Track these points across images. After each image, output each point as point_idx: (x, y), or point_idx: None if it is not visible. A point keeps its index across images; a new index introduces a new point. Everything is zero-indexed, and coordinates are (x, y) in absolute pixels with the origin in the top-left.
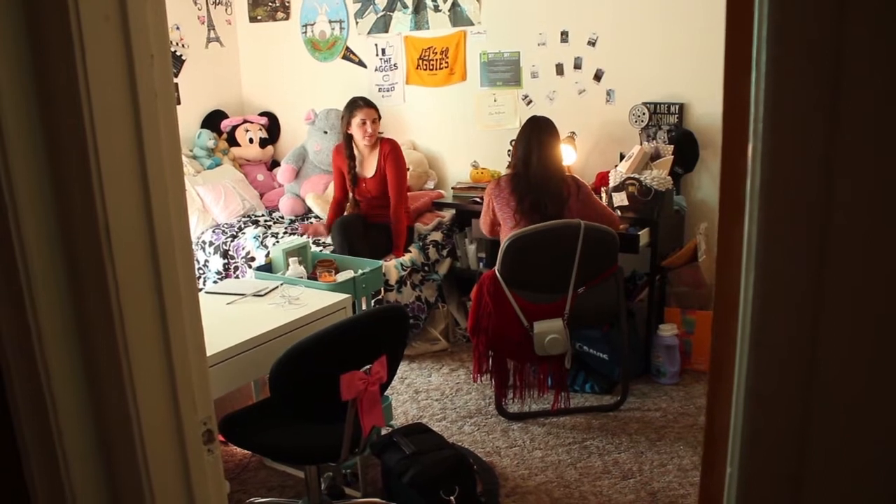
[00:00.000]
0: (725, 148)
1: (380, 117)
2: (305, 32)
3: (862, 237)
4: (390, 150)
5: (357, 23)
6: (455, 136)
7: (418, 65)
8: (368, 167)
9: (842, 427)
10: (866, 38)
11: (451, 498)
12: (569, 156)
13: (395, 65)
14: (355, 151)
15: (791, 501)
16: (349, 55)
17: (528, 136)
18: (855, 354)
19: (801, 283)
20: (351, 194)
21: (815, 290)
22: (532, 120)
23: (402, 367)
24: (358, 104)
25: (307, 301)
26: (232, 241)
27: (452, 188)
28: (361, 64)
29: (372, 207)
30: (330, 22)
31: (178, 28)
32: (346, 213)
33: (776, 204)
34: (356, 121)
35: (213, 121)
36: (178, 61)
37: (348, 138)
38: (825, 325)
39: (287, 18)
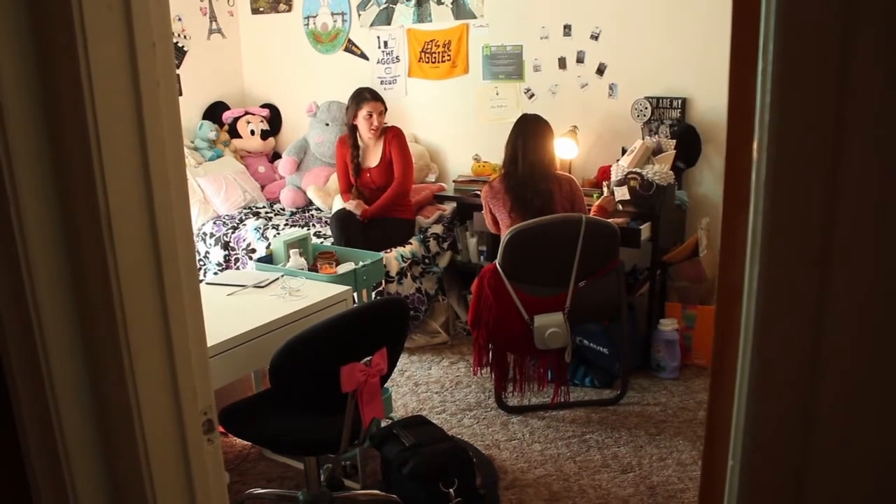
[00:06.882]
0: (730, 140)
1: (386, 109)
2: (307, 24)
3: (868, 229)
4: (394, 136)
5: (359, 15)
6: (457, 130)
7: (420, 57)
8: (372, 157)
9: (845, 419)
10: (875, 28)
11: (451, 490)
12: (570, 150)
13: (397, 57)
14: (359, 142)
15: (793, 494)
16: (351, 47)
17: (515, 136)
18: (859, 347)
19: (806, 275)
20: (353, 185)
21: (820, 283)
22: (521, 119)
23: (402, 360)
24: (365, 97)
25: (308, 293)
26: (233, 233)
27: (454, 181)
28: (363, 56)
29: (375, 199)
30: (332, 14)
31: (180, 19)
32: (344, 207)
33: (782, 196)
34: (362, 113)
35: (214, 112)
36: (180, 52)
37: (353, 129)
38: (830, 318)
39: (289, 10)
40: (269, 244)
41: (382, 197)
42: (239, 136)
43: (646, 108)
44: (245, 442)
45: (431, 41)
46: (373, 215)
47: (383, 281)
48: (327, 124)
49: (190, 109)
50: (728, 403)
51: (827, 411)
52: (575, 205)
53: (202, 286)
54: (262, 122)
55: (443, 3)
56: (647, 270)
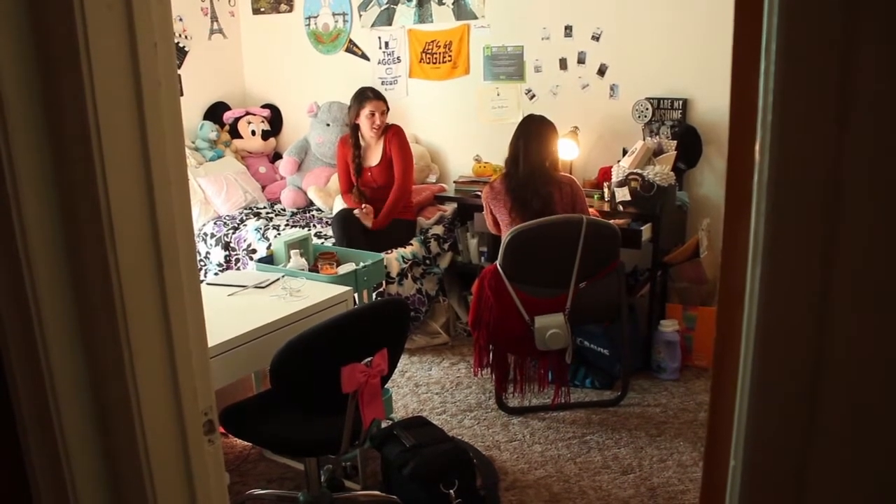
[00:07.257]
0: (733, 141)
1: (388, 109)
2: (309, 25)
3: (871, 229)
4: (394, 134)
5: (360, 15)
6: (457, 130)
7: (421, 58)
8: (373, 156)
9: (847, 420)
10: (877, 29)
11: (451, 491)
12: (571, 151)
13: (398, 58)
14: (361, 141)
15: (795, 495)
16: (352, 48)
17: (517, 137)
18: (862, 347)
19: (808, 275)
20: (355, 185)
21: (822, 283)
22: (525, 119)
23: (403, 361)
24: (367, 96)
25: (308, 293)
26: (233, 233)
27: (454, 182)
28: (364, 57)
29: (377, 199)
30: (333, 14)
31: (181, 19)
32: (345, 207)
33: (784, 196)
34: (365, 112)
35: (215, 113)
36: (181, 53)
37: (355, 128)
38: (833, 318)
39: (290, 10)
40: (270, 245)
41: (386, 204)
42: (240, 137)
43: (647, 108)
44: (245, 442)
45: (432, 42)
46: (381, 225)
47: (384, 282)
48: (328, 125)
49: (191, 110)
50: (730, 404)
51: (829, 412)
52: (576, 207)
53: (203, 287)
54: (262, 122)
55: (444, 4)
56: (647, 271)
